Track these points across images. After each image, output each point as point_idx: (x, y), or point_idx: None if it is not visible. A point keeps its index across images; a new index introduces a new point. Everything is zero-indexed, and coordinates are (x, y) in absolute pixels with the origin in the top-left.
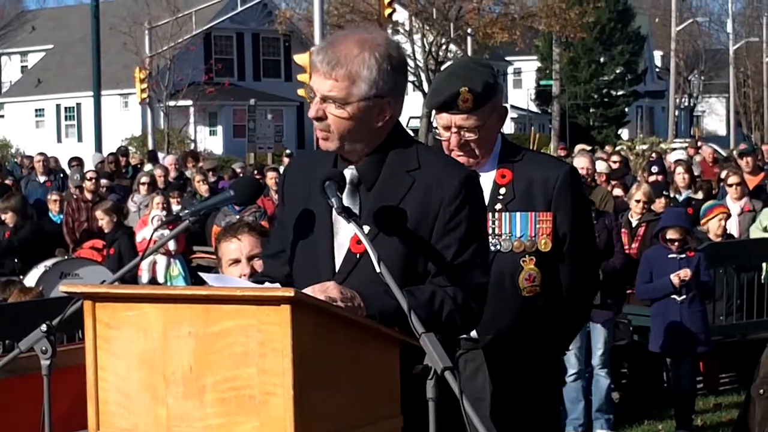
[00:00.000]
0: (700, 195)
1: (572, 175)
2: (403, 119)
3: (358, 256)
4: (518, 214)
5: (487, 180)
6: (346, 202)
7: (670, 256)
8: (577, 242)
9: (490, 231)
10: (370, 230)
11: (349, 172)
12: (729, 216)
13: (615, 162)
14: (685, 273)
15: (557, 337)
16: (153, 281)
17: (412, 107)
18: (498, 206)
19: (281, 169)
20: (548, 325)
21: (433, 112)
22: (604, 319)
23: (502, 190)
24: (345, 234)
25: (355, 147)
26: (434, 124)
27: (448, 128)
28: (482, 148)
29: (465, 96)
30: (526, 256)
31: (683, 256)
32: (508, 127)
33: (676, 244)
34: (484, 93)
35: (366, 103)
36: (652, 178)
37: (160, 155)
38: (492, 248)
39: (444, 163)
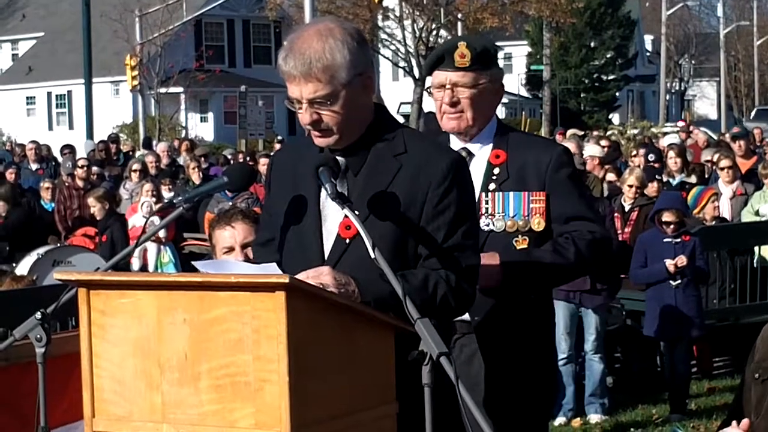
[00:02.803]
0: (693, 179)
1: (566, 155)
2: (393, 105)
3: (347, 241)
4: (511, 193)
5: (481, 159)
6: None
7: (665, 240)
8: (581, 213)
9: (484, 211)
10: (359, 215)
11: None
12: (718, 195)
13: (604, 146)
14: (681, 261)
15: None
16: (144, 269)
17: (403, 93)
18: (492, 186)
19: None
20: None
21: (429, 80)
22: (595, 304)
23: (496, 171)
24: (333, 220)
25: (351, 133)
26: (428, 87)
27: (442, 86)
28: (474, 113)
29: (462, 51)
30: (519, 236)
31: (678, 240)
32: (499, 112)
33: (672, 227)
34: (482, 53)
35: (351, 87)
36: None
37: (153, 142)
38: (485, 228)
39: (430, 147)
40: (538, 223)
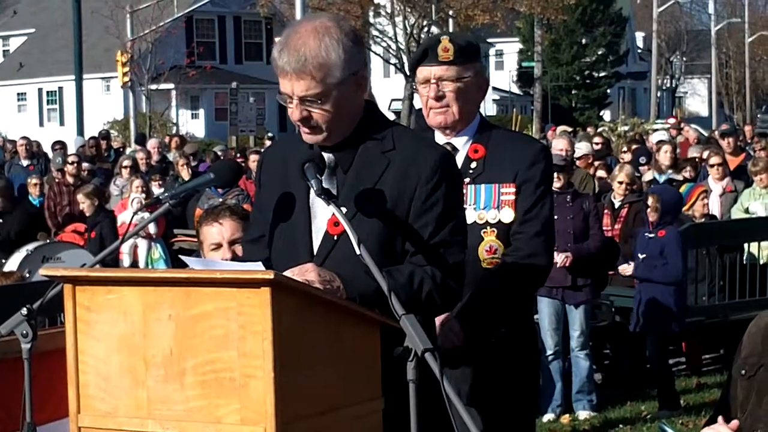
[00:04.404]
0: (683, 175)
1: (543, 153)
2: (384, 102)
3: (335, 237)
4: (483, 185)
5: (460, 153)
6: (324, 184)
7: (644, 233)
8: (533, 216)
9: None
10: (347, 211)
11: (326, 156)
12: (708, 193)
13: (597, 143)
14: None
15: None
16: (134, 265)
17: (394, 90)
18: (466, 180)
19: None
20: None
21: (416, 77)
22: (578, 300)
23: (473, 165)
24: (322, 216)
25: (341, 131)
26: (415, 85)
27: (427, 81)
28: (459, 106)
29: (445, 45)
30: (488, 227)
31: (652, 235)
32: (490, 109)
33: (648, 209)
34: (466, 48)
35: (344, 87)
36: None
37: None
38: None
39: (419, 144)
40: (507, 215)
